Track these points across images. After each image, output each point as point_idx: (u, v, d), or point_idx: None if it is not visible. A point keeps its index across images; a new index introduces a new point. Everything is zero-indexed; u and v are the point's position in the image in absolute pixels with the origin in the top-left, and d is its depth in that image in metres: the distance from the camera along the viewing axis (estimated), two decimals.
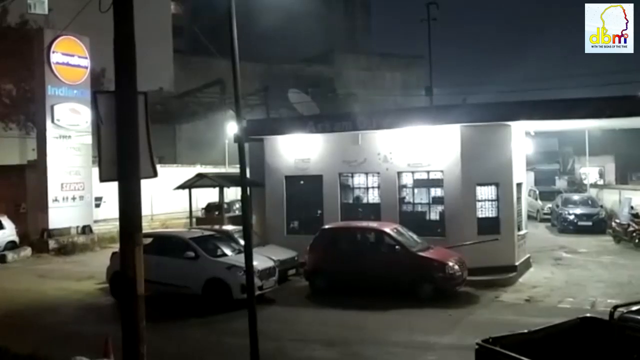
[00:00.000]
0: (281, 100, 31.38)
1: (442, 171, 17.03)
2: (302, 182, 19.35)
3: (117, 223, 6.38)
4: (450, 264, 14.18)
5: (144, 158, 6.34)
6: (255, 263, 9.62)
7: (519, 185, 18.00)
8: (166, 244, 15.19)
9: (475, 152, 16.65)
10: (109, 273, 15.19)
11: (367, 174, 18.25)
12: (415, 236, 15.44)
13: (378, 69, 49.12)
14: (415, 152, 17.37)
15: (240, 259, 12.31)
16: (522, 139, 19.00)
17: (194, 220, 23.25)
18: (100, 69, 26.65)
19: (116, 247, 15.62)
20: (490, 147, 16.86)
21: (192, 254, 14.42)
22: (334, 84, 45.85)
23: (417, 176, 17.52)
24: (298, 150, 19.11)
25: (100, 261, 17.74)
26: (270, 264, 14.61)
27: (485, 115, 16.72)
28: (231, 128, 31.56)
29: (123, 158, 6.11)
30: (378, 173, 17.98)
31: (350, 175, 18.56)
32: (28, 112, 27.37)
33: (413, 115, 17.92)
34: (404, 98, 43.18)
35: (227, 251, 14.96)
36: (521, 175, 18.65)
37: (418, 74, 46.52)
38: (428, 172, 17.32)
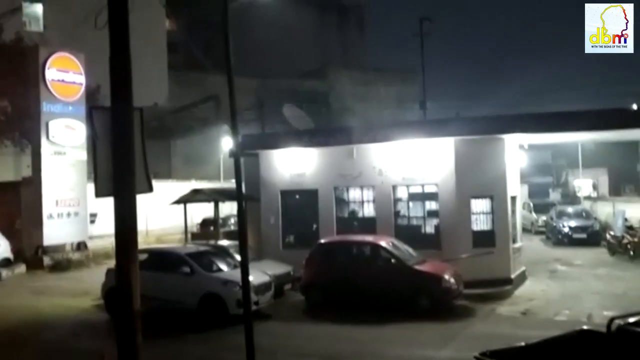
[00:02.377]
0: (276, 115, 31.46)
1: (436, 184, 17.09)
2: (297, 196, 19.37)
3: (112, 239, 6.37)
4: (446, 277, 14.18)
5: (140, 173, 6.36)
6: (251, 278, 9.61)
7: (513, 198, 18.05)
8: (162, 259, 15.16)
9: (469, 166, 16.72)
10: (104, 289, 15.09)
11: (362, 187, 18.29)
12: (410, 249, 15.44)
13: (373, 84, 49.34)
14: (409, 166, 17.43)
15: (236, 274, 12.30)
16: (516, 152, 19.10)
17: (189, 235, 23.19)
18: (96, 85, 26.63)
19: (111, 263, 15.55)
20: (484, 160, 16.95)
21: (187, 269, 14.38)
22: (328, 99, 46.05)
23: (412, 189, 17.56)
24: (293, 164, 19.14)
25: (95, 277, 17.64)
26: (266, 278, 14.57)
27: (478, 128, 16.82)
28: (226, 143, 31.63)
29: (119, 174, 6.12)
30: (373, 187, 18.02)
31: (345, 189, 18.58)
32: (23, 128, 27.29)
33: (407, 129, 18.03)
34: (399, 112, 43.39)
35: (223, 266, 14.92)
36: (515, 188, 18.72)
37: (413, 89, 46.78)
38: (423, 185, 17.37)
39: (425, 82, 32.42)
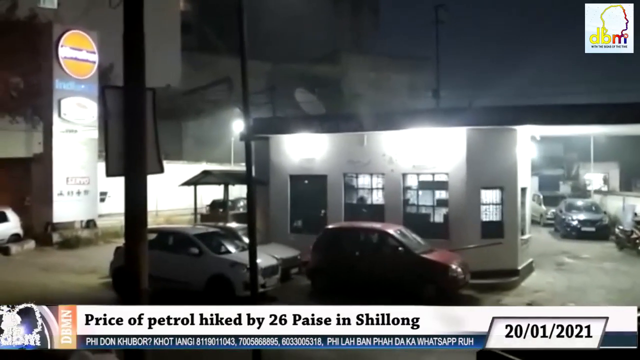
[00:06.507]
0: (287, 99, 31.41)
1: (447, 174, 17.02)
2: (306, 181, 19.37)
3: (121, 218, 6.39)
4: (453, 266, 14.18)
5: (151, 154, 6.35)
6: (258, 261, 9.64)
7: (523, 189, 17.97)
8: (170, 239, 15.24)
9: (480, 156, 16.64)
10: (111, 268, 15.22)
11: (371, 175, 18.25)
12: (418, 238, 15.43)
13: (385, 71, 49.05)
14: (420, 154, 17.36)
15: (243, 257, 12.38)
16: (528, 143, 18.98)
17: (198, 217, 23.28)
18: (109, 64, 26.71)
19: (119, 242, 15.67)
20: (496, 151, 16.86)
21: (196, 250, 14.45)
22: (340, 85, 45.85)
23: (422, 178, 17.51)
24: (303, 149, 19.12)
25: (103, 256, 17.77)
26: (274, 262, 14.64)
27: (491, 118, 16.71)
28: (237, 126, 31.62)
29: (130, 153, 6.12)
30: (383, 174, 17.98)
31: (354, 175, 18.56)
32: (35, 105, 27.45)
33: (419, 117, 17.91)
34: (411, 100, 43.15)
35: (231, 248, 14.98)
36: (526, 180, 18.62)
37: (425, 76, 46.51)
38: (433, 174, 17.31)
39: (439, 70, 32.10)
